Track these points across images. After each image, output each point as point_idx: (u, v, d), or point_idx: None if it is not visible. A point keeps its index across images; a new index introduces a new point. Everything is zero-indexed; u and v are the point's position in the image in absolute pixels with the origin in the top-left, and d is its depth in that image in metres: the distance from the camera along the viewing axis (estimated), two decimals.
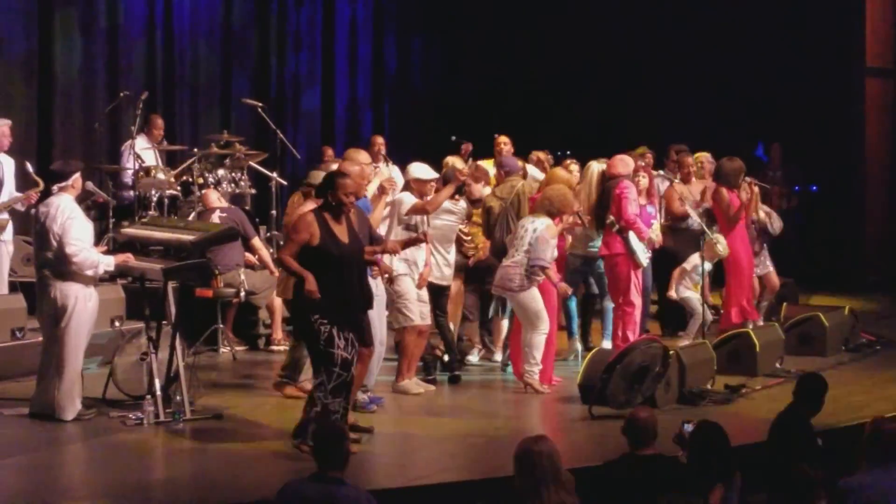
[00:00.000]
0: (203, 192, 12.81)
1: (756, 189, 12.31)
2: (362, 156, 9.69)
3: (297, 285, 8.11)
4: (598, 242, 11.28)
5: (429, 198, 10.11)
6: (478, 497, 7.64)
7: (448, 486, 7.76)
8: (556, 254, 10.35)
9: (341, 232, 8.16)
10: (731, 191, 11.96)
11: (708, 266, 11.58)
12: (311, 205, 9.25)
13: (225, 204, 12.47)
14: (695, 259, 11.68)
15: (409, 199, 10.05)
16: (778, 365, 11.18)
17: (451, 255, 10.54)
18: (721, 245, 11.58)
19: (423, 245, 9.94)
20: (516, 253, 10.26)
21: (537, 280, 10.21)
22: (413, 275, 10.09)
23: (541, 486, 5.97)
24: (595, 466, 7.25)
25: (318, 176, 9.91)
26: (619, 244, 11.02)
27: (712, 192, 12.13)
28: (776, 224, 12.72)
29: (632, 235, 10.96)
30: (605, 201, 11.15)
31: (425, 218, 10.10)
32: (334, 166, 9.54)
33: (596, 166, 11.31)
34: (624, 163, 11.31)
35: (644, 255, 11.09)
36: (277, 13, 17.09)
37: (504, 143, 12.69)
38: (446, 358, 10.82)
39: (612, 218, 11.02)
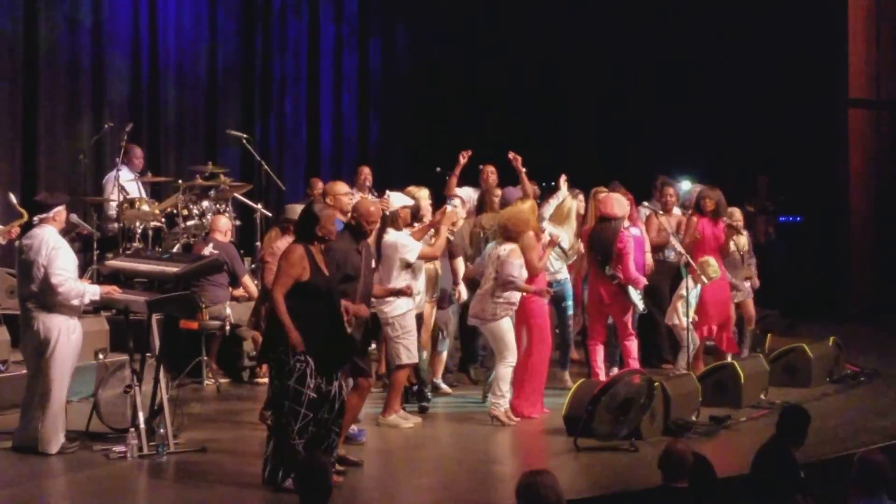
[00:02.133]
0: (213, 216, 12.78)
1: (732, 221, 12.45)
2: (339, 186, 9.68)
3: (275, 321, 8.02)
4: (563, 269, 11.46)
5: (423, 239, 10.21)
6: None
7: None
8: (525, 272, 10.31)
9: (323, 266, 8.16)
10: (702, 217, 12.13)
11: (698, 289, 11.65)
12: (288, 240, 9.40)
13: (230, 237, 12.44)
14: (689, 284, 11.67)
15: (406, 240, 10.00)
16: (763, 396, 11.19)
17: (422, 283, 10.54)
18: (713, 267, 11.67)
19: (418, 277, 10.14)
20: (486, 283, 10.34)
21: (509, 311, 10.22)
22: (413, 308, 10.10)
23: None
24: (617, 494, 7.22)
25: (295, 210, 10.01)
26: (615, 294, 11.26)
27: (687, 219, 12.28)
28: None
29: (630, 289, 11.21)
30: (599, 240, 11.27)
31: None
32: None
33: (570, 202, 11.43)
34: (620, 204, 11.40)
35: (640, 301, 11.28)
36: (262, 48, 17.08)
37: (491, 172, 12.72)
38: (415, 388, 10.82)
39: (611, 271, 11.15)
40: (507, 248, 10.28)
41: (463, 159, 12.31)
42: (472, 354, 12.20)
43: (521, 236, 10.33)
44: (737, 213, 12.72)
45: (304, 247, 8.10)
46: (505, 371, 10.23)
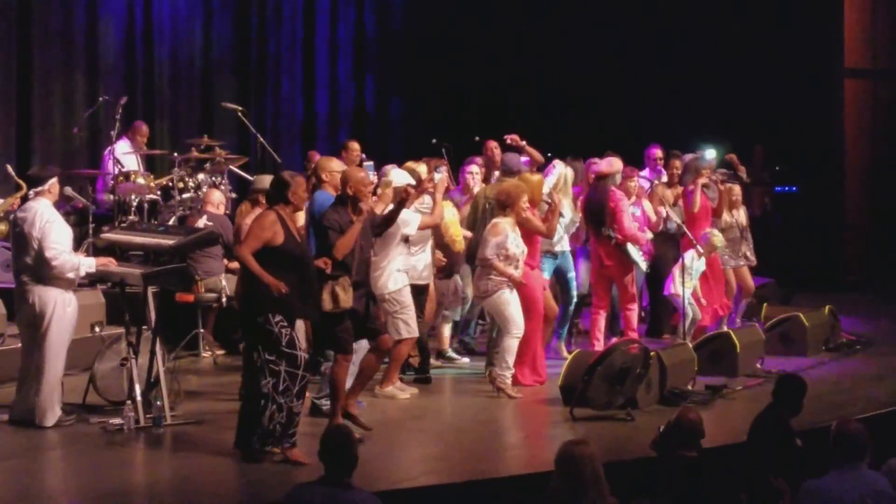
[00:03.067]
0: (207, 189, 12.76)
1: (723, 187, 12.43)
2: (334, 163, 9.64)
3: (250, 286, 8.01)
4: (564, 240, 11.37)
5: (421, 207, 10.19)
6: (461, 500, 7.66)
7: (431, 490, 7.75)
8: (521, 248, 10.24)
9: (296, 233, 8.19)
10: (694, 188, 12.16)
11: (702, 262, 11.65)
12: (255, 212, 9.65)
13: (223, 210, 12.43)
14: (690, 256, 11.65)
15: (406, 214, 9.90)
16: (759, 365, 11.21)
17: (428, 255, 10.53)
18: (718, 237, 11.69)
19: (418, 251, 10.21)
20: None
21: (505, 283, 10.19)
22: (409, 282, 10.10)
23: (585, 490, 5.98)
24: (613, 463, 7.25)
25: (263, 181, 10.10)
26: (615, 255, 11.16)
27: (682, 192, 12.30)
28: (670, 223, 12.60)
29: (630, 246, 11.09)
30: (593, 202, 11.24)
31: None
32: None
33: (565, 171, 11.35)
34: (608, 162, 11.41)
35: (643, 261, 11.24)
36: (257, 19, 17.03)
37: (494, 147, 12.64)
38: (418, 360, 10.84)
39: (608, 231, 11.13)
40: (490, 225, 10.25)
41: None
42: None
43: (516, 206, 10.27)
44: (735, 188, 12.72)
45: (276, 212, 8.10)
46: (510, 343, 10.21)
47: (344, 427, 6.69)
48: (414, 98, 17.94)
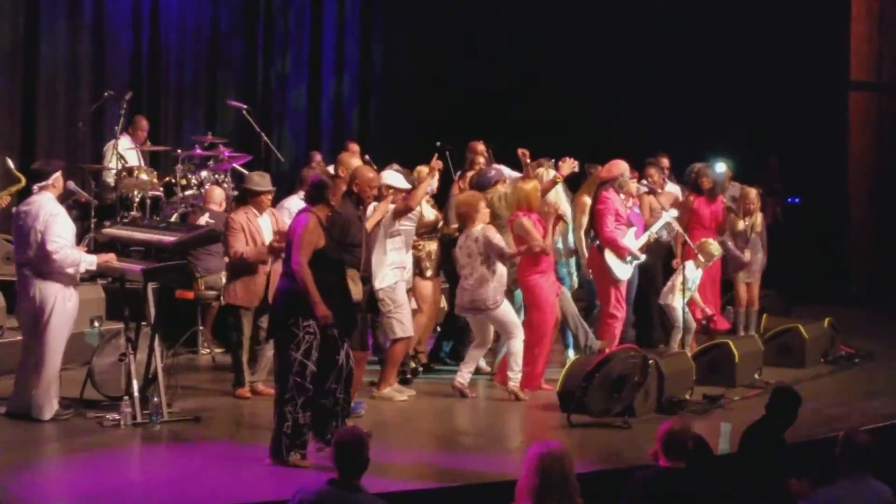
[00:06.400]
0: (210, 186, 12.76)
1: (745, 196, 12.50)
2: (355, 160, 9.67)
3: (292, 286, 7.96)
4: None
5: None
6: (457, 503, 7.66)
7: (427, 493, 7.76)
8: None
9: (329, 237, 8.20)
10: (699, 197, 12.26)
11: (699, 272, 11.64)
12: (246, 210, 9.98)
13: (225, 208, 12.43)
14: (689, 266, 11.64)
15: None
16: (757, 376, 11.20)
17: (410, 259, 10.53)
18: (714, 245, 11.68)
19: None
20: (474, 272, 10.20)
21: (503, 291, 10.20)
22: (404, 280, 10.09)
23: (553, 493, 5.96)
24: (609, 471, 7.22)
25: (252, 179, 10.19)
26: (597, 258, 11.09)
27: (684, 199, 12.31)
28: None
29: (608, 253, 10.99)
30: (593, 209, 11.23)
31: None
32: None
33: (542, 172, 11.25)
34: (609, 167, 11.33)
35: (622, 270, 11.12)
36: (265, 14, 17.04)
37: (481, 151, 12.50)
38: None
39: (593, 233, 11.10)
40: (479, 228, 10.21)
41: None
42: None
43: (476, 215, 10.24)
44: (752, 194, 12.71)
45: (316, 215, 8.08)
46: (518, 345, 10.22)
47: (357, 429, 6.69)
48: (419, 102, 17.96)
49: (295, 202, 10.71)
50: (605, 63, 17.56)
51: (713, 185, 12.19)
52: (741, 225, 12.58)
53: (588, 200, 11.50)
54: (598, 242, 11.11)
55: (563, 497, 5.91)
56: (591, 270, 11.51)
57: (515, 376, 10.25)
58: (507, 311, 10.28)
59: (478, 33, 18.00)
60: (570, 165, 11.04)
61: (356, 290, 8.60)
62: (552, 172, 11.09)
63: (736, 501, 7.00)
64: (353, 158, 9.86)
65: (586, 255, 11.46)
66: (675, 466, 6.54)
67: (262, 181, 10.35)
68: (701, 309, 11.84)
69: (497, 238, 10.17)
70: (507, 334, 10.31)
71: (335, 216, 8.53)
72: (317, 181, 8.28)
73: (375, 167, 10.47)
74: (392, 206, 9.94)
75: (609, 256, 11.08)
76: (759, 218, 12.83)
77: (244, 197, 10.38)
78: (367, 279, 8.84)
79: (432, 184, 10.58)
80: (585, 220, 11.49)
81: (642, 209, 12.36)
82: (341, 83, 17.83)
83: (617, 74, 17.52)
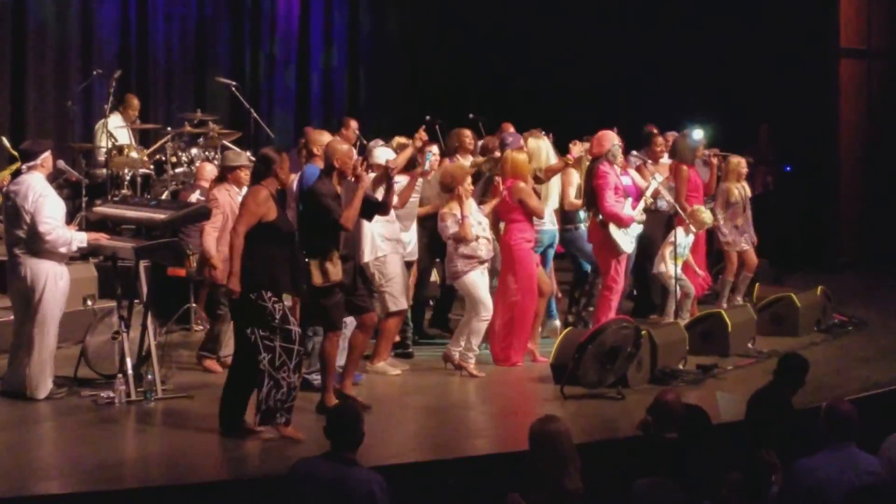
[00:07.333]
0: (200, 164, 12.72)
1: (716, 161, 12.46)
2: (325, 136, 9.62)
3: (242, 263, 7.99)
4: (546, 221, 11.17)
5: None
6: (449, 476, 7.67)
7: (420, 466, 7.78)
8: (483, 226, 10.23)
9: (281, 210, 8.24)
10: (690, 166, 12.23)
11: (690, 238, 11.63)
12: (226, 187, 9.99)
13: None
14: (679, 233, 11.64)
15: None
16: (750, 345, 11.23)
17: (414, 233, 10.53)
18: (706, 213, 11.68)
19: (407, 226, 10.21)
20: (448, 242, 10.33)
21: (474, 265, 10.18)
22: (398, 253, 10.07)
23: (565, 465, 5.98)
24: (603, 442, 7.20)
25: (229, 157, 10.23)
26: (598, 232, 11.03)
27: (672, 168, 12.26)
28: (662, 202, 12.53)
29: (612, 227, 10.95)
30: (587, 184, 11.18)
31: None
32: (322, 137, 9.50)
33: (532, 142, 11.21)
34: (599, 140, 11.22)
35: (626, 242, 11.06)
36: None
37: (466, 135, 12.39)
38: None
39: (594, 208, 11.05)
40: (444, 211, 10.26)
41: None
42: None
43: (459, 188, 10.21)
44: (742, 162, 12.68)
45: (266, 188, 8.11)
46: (478, 325, 10.17)
47: (351, 403, 6.70)
48: (411, 79, 17.91)
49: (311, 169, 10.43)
50: (596, 33, 17.51)
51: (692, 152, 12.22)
52: (735, 195, 12.49)
53: (575, 173, 11.45)
54: (600, 217, 11.02)
55: (563, 471, 5.93)
56: (591, 244, 11.45)
57: (468, 354, 10.16)
58: (477, 286, 10.20)
59: (467, 1, 17.95)
60: (579, 149, 11.07)
61: (335, 271, 8.56)
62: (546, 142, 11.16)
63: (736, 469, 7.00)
64: (323, 135, 9.72)
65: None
66: (666, 437, 6.57)
67: (236, 157, 10.42)
68: (694, 271, 11.84)
69: (448, 221, 10.16)
70: (471, 309, 10.27)
71: (323, 193, 8.54)
72: (264, 155, 8.31)
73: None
74: (372, 175, 9.89)
75: (613, 230, 10.95)
76: (746, 187, 12.80)
77: (223, 174, 10.39)
78: (347, 257, 8.78)
79: (428, 161, 10.52)
80: (572, 191, 11.47)
81: (645, 179, 12.28)
82: (329, 55, 17.77)
83: (606, 45, 17.46)
